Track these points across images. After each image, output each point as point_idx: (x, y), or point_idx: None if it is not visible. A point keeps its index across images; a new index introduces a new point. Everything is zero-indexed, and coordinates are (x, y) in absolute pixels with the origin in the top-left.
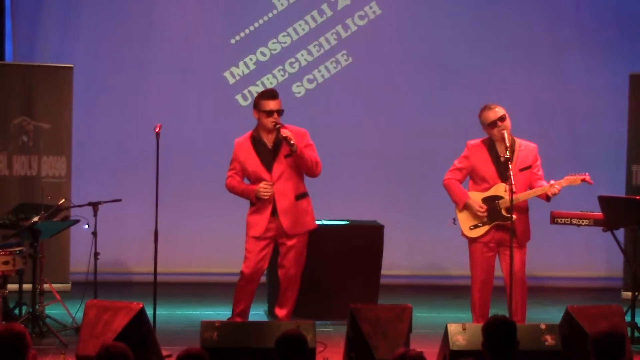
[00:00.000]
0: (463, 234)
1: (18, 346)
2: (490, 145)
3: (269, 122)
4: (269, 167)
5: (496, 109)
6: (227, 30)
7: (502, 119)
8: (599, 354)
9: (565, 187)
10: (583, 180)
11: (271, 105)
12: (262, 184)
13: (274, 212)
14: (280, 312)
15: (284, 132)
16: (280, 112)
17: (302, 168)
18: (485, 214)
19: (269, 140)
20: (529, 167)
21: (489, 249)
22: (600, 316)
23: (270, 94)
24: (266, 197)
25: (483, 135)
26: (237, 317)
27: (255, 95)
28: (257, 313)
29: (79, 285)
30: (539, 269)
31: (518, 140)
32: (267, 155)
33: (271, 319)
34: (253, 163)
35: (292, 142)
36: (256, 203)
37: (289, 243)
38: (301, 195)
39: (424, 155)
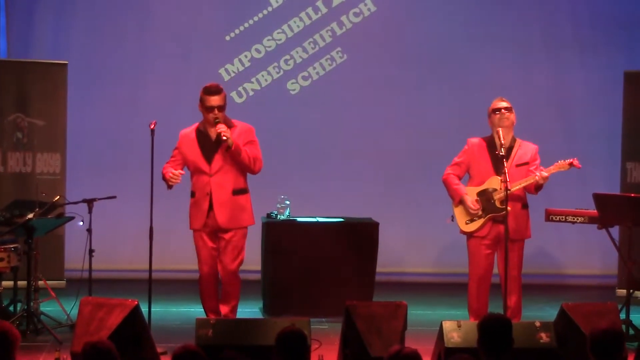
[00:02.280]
0: (461, 231)
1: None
2: (490, 142)
3: (209, 117)
4: (209, 160)
5: (501, 101)
6: (222, 27)
7: (507, 109)
8: (598, 352)
9: (560, 182)
10: (571, 164)
11: (211, 101)
12: (175, 172)
13: (211, 206)
14: (224, 309)
15: (219, 128)
16: (220, 108)
17: (239, 164)
18: (478, 208)
19: (212, 133)
20: (526, 164)
21: (486, 246)
22: (595, 314)
23: (211, 90)
24: (172, 183)
25: (478, 133)
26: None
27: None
28: (252, 310)
29: (73, 282)
30: (533, 267)
31: (519, 140)
32: (210, 147)
33: (266, 317)
34: (194, 154)
35: (224, 137)
36: (168, 188)
37: (226, 237)
38: (240, 191)
39: (419, 152)
